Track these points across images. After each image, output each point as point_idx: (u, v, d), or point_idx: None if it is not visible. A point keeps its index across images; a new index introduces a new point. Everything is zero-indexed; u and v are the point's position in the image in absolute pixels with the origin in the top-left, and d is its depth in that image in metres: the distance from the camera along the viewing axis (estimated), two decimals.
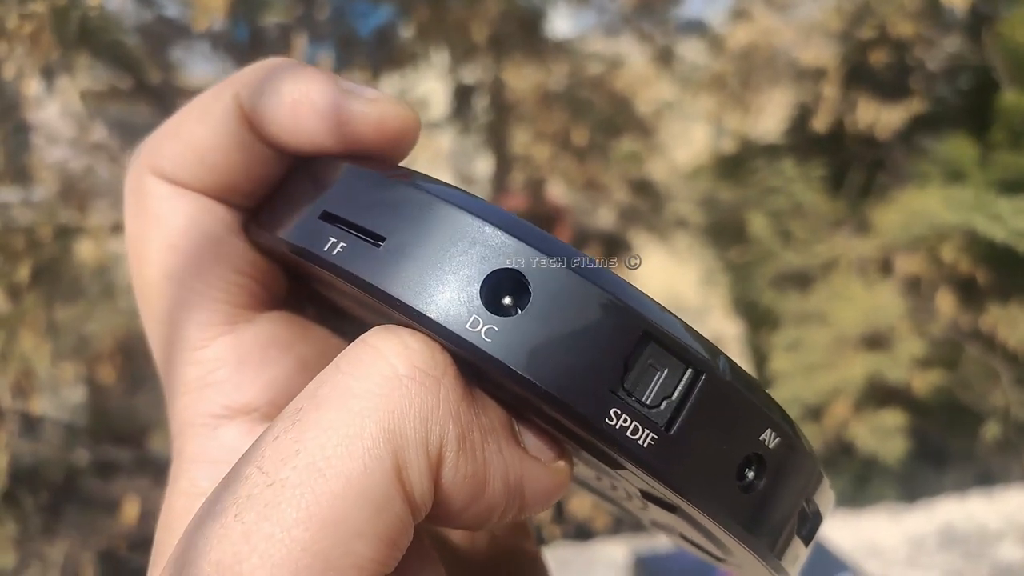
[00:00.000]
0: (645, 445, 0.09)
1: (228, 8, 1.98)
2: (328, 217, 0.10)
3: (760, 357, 2.96)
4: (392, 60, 1.94)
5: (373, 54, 2.03)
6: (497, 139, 2.24)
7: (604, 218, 2.60)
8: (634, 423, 0.09)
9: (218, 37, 2.24)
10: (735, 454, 0.10)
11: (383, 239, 0.10)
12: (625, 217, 2.42)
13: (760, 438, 0.10)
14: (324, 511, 0.08)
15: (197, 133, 0.11)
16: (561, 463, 0.10)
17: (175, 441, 0.12)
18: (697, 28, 2.54)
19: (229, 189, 0.11)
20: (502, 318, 0.09)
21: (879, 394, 2.69)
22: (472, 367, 0.10)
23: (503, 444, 0.10)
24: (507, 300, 0.09)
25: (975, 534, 0.68)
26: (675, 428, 0.09)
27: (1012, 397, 2.91)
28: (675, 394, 0.09)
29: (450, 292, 0.09)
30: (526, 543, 0.14)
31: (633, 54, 2.33)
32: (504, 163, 2.27)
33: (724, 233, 2.97)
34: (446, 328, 0.09)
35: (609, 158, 2.16)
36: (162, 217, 0.11)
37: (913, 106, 2.57)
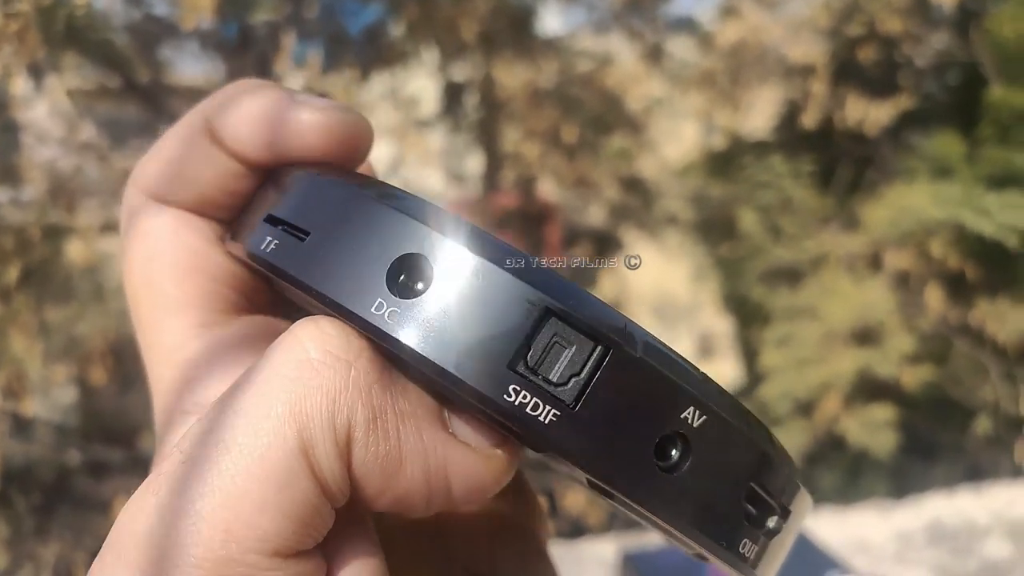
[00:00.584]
0: (547, 421, 0.09)
1: (216, 7, 1.97)
2: (270, 219, 0.11)
3: (751, 352, 2.96)
4: (382, 58, 1.93)
5: (363, 52, 2.02)
6: (488, 137, 2.24)
7: (595, 215, 2.60)
8: (534, 399, 0.09)
9: (207, 36, 2.22)
10: (650, 432, 0.10)
11: (308, 233, 0.10)
12: (616, 214, 2.42)
13: (682, 416, 0.10)
14: (227, 485, 0.09)
15: (174, 152, 0.12)
16: (497, 452, 0.10)
17: (156, 437, 0.13)
18: (687, 25, 2.54)
19: (207, 203, 0.12)
20: (406, 300, 0.10)
21: (869, 389, 2.70)
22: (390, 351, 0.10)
23: (424, 428, 0.10)
24: (412, 284, 0.10)
25: (963, 530, 0.68)
26: (580, 405, 0.09)
27: (1001, 392, 2.93)
28: (583, 371, 0.09)
29: (359, 278, 0.10)
30: (534, 524, 0.14)
31: (623, 51, 2.33)
32: (495, 161, 2.26)
33: (714, 229, 2.97)
34: (352, 312, 0.10)
35: (599, 155, 2.16)
36: (146, 232, 0.12)
37: (901, 102, 2.58)
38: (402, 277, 0.10)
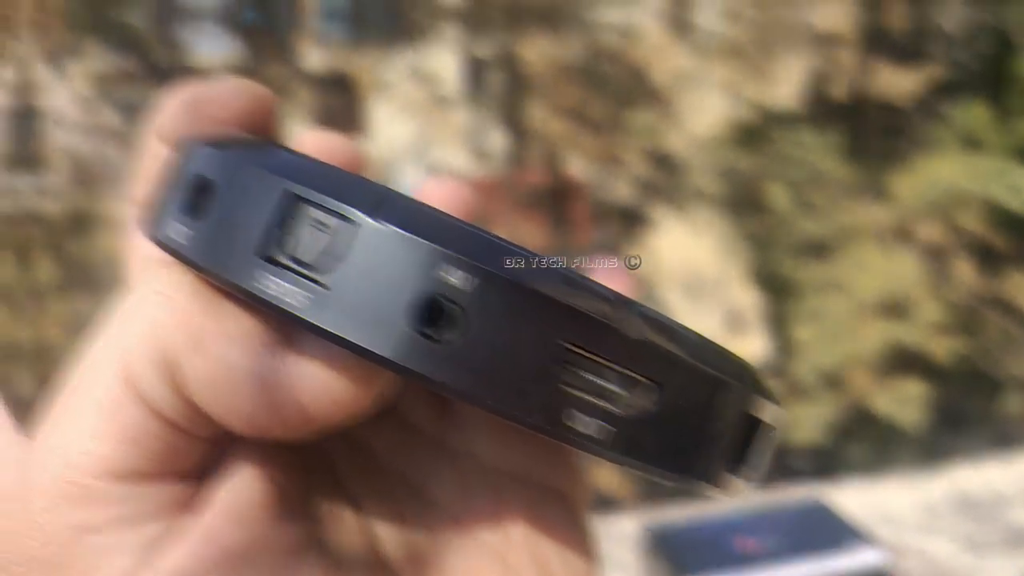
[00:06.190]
0: (299, 304, 0.09)
1: None
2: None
3: (781, 327, 2.94)
4: (404, 33, 1.91)
5: (384, 27, 2.00)
6: (512, 114, 2.21)
7: (622, 192, 2.58)
8: (286, 285, 0.09)
9: (226, 15, 2.21)
10: (405, 299, 0.09)
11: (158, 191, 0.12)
12: (643, 190, 2.40)
13: (444, 278, 0.09)
14: (64, 417, 0.10)
15: (141, 160, 0.13)
16: (351, 364, 0.10)
17: None
18: None
19: None
20: (197, 221, 0.10)
21: (899, 362, 2.66)
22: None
23: (256, 346, 0.10)
24: (202, 204, 0.10)
25: (989, 499, 0.67)
26: (333, 284, 0.09)
27: None
28: (338, 251, 0.09)
29: (166, 210, 0.11)
30: (571, 490, 0.14)
31: (648, 22, 2.29)
32: (520, 138, 2.23)
33: (742, 203, 2.95)
34: (160, 241, 0.11)
35: (626, 130, 2.14)
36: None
37: (931, 71, 2.52)
38: (191, 201, 0.10)
